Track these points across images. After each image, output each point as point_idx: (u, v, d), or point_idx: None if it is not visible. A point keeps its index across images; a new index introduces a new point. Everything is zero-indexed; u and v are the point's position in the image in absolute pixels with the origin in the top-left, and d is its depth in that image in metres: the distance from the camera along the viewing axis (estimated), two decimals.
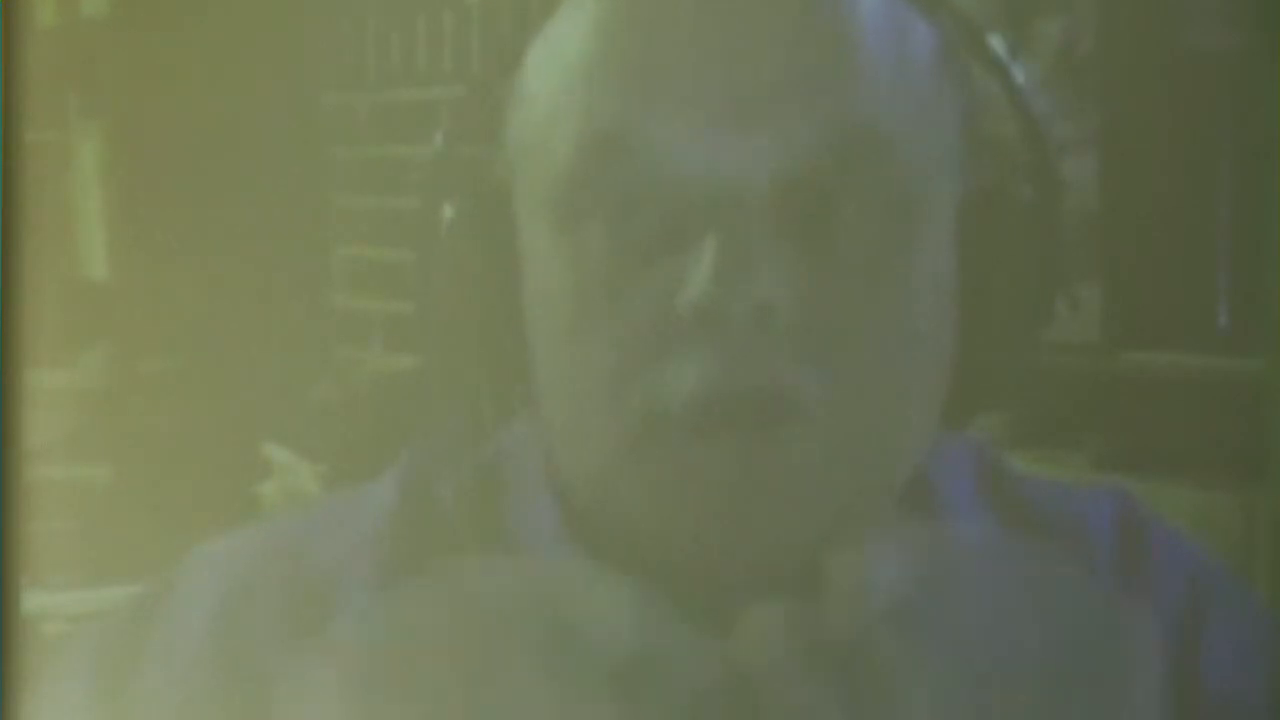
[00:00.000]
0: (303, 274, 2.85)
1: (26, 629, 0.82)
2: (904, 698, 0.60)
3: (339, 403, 2.54)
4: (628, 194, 0.65)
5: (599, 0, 0.67)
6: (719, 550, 0.65)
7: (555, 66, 0.67)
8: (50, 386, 2.47)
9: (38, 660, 0.76)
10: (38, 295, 0.86)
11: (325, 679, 0.61)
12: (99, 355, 2.70)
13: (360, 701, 0.61)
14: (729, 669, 0.62)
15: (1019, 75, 0.71)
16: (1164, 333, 1.83)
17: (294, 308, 2.82)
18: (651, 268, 0.64)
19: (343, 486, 0.79)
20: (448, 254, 0.70)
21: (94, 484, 2.58)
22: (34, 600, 0.86)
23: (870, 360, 0.65)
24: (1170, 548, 0.76)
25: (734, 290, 0.62)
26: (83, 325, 2.71)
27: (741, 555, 0.65)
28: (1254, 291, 1.75)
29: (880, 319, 0.65)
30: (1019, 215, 0.69)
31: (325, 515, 0.75)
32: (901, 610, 0.60)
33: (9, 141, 0.84)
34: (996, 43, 0.71)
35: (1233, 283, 1.81)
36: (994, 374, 0.70)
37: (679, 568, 0.66)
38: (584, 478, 0.68)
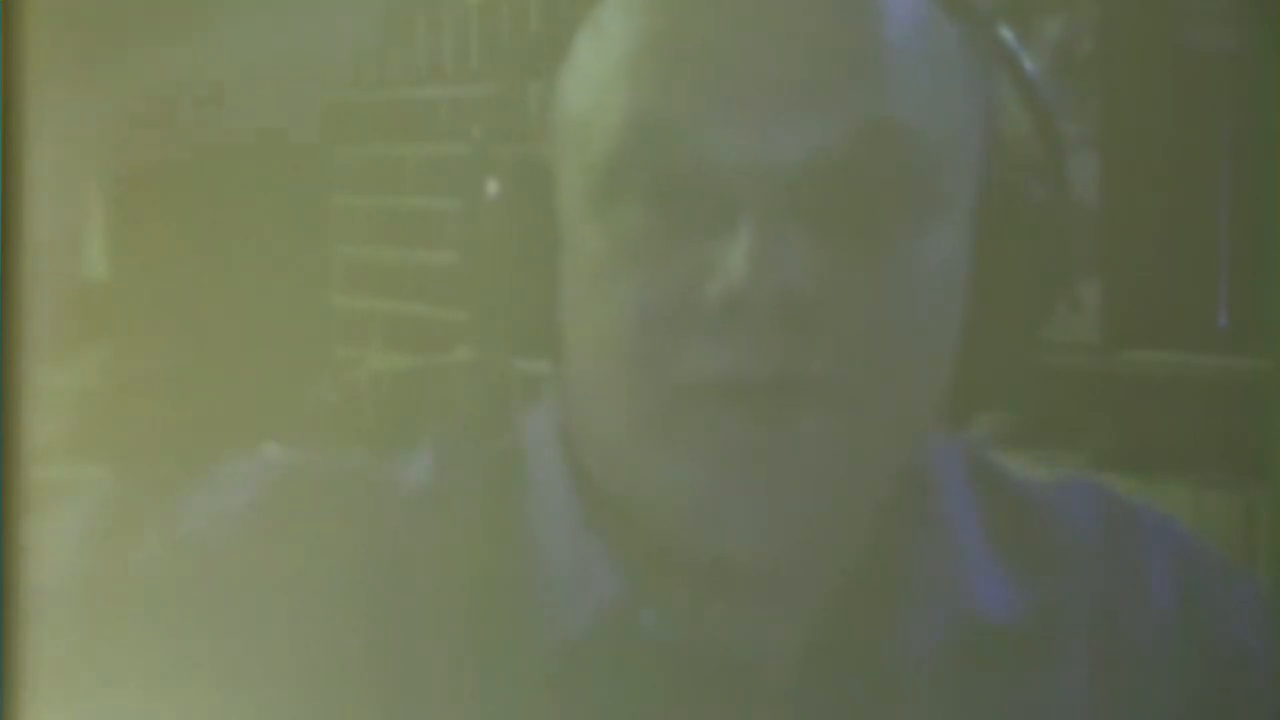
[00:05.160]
0: (303, 274, 2.85)
1: (26, 629, 0.82)
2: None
3: (339, 403, 2.54)
4: (666, 177, 0.68)
5: None
6: (733, 528, 0.67)
7: (602, 52, 0.70)
8: (50, 386, 2.47)
9: (37, 659, 0.76)
10: (38, 295, 0.86)
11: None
12: (99, 355, 2.70)
13: None
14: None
15: (1031, 72, 0.73)
16: (1164, 333, 1.83)
17: (294, 308, 2.81)
18: (685, 249, 0.67)
19: None
20: (489, 226, 0.73)
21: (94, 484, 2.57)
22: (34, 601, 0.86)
23: (885, 347, 0.68)
24: (1153, 527, 0.78)
25: (763, 278, 0.65)
26: (83, 325, 2.71)
27: (754, 534, 0.67)
28: (1254, 291, 1.75)
29: (896, 308, 0.68)
30: (1030, 212, 0.71)
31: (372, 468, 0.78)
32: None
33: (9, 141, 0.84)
34: (1009, 39, 0.73)
35: (1233, 283, 1.81)
36: (994, 373, 0.71)
37: (692, 551, 0.67)
38: (605, 451, 0.70)
